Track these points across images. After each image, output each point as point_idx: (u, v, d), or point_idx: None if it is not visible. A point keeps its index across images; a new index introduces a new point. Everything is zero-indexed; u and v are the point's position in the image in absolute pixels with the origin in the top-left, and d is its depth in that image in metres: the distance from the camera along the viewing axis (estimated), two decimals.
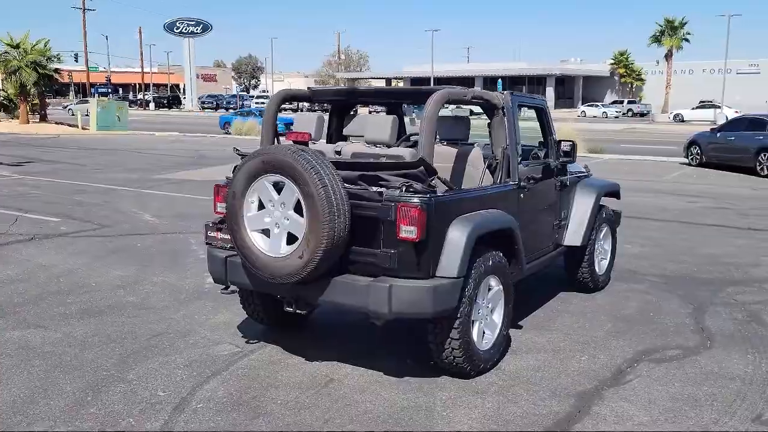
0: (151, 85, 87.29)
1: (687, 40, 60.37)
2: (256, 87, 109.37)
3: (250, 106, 69.81)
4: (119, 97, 70.00)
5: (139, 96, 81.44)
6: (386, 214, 4.19)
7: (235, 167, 4.95)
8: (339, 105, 6.03)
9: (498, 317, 4.87)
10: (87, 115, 36.06)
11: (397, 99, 6.55)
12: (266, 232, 4.47)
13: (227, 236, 4.88)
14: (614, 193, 7.04)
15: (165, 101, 78.16)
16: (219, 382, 4.60)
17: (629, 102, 68.13)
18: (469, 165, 5.14)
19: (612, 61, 79.57)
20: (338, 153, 5.23)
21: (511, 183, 5.19)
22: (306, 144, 4.53)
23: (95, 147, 24.52)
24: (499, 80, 52.26)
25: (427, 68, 77.77)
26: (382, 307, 4.18)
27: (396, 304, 4.17)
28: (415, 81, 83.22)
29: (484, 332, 4.76)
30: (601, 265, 6.80)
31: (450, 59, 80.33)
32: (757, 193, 14.36)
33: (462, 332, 4.44)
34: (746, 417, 4.14)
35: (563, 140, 6.07)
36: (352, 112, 5.94)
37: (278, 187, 4.37)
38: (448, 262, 4.28)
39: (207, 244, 5.09)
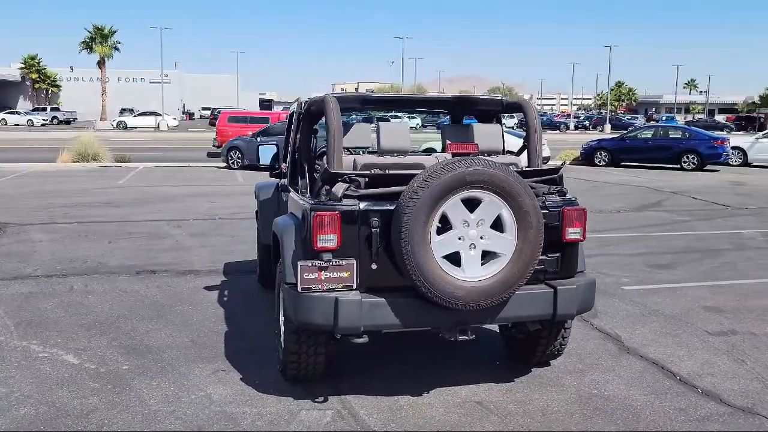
0: None
1: (117, 48, 61.08)
2: None
3: None
4: None
5: None
6: (554, 219, 4.30)
7: (321, 190, 4.06)
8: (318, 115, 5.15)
9: None
10: None
11: (466, 108, 5.92)
12: (454, 257, 3.94)
13: (336, 274, 3.99)
14: None
15: None
16: None
17: (53, 109, 64.82)
18: None
19: (22, 66, 74.34)
20: None
21: None
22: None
23: None
24: None
25: None
26: (570, 309, 4.29)
27: (580, 304, 4.34)
28: None
29: None
30: None
31: None
32: None
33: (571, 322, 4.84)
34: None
35: None
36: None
37: (468, 205, 3.93)
38: (580, 258, 4.61)
39: (304, 290, 3.96)
